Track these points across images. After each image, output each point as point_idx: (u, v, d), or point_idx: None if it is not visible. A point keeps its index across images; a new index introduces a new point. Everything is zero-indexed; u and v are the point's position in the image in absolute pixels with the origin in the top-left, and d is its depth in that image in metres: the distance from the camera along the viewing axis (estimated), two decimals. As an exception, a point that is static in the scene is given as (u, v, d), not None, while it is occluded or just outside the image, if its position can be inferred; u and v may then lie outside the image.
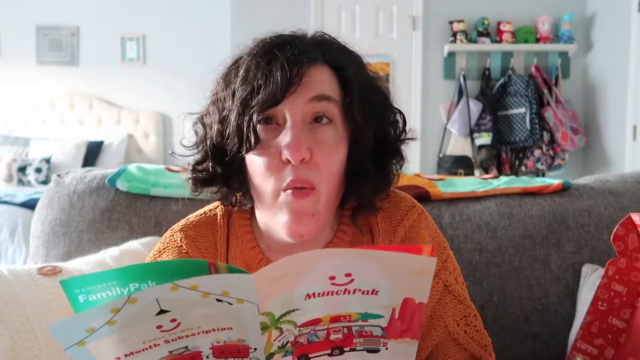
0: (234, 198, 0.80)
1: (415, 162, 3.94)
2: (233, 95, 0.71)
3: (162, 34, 4.53)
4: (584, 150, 3.88)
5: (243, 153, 0.71)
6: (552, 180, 1.37)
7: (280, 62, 0.68)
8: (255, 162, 0.71)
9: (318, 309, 0.53)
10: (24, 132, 4.51)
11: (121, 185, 1.28)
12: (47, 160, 4.05)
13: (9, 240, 2.93)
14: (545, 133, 3.72)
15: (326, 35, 0.76)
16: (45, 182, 3.91)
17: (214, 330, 0.51)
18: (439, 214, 1.26)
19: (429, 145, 3.98)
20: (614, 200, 1.28)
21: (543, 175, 3.74)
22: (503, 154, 3.84)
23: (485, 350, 0.79)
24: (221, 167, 0.75)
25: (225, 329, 0.51)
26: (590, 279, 1.19)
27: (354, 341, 0.57)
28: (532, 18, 3.85)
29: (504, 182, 1.35)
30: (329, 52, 0.73)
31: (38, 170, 3.98)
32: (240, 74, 0.71)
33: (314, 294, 0.52)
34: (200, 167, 0.77)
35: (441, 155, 3.89)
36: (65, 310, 0.99)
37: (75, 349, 0.49)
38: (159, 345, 0.51)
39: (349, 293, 0.53)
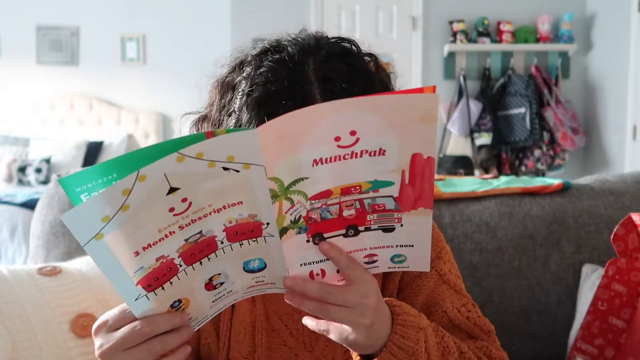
0: None
1: (415, 162, 3.93)
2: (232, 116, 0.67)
3: (162, 34, 4.52)
4: (584, 150, 3.88)
5: None
6: (552, 180, 1.37)
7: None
8: None
9: (327, 178, 0.53)
10: (24, 132, 4.50)
11: (121, 185, 1.27)
12: (47, 161, 4.05)
13: (9, 240, 2.93)
14: (545, 133, 3.72)
15: (334, 60, 0.67)
16: (45, 182, 3.90)
17: (224, 207, 0.51)
18: (439, 214, 1.26)
19: (429, 145, 3.98)
20: (614, 200, 1.28)
21: (543, 175, 3.73)
22: (503, 154, 3.84)
23: (489, 336, 0.78)
24: None
25: (235, 204, 0.51)
26: (590, 279, 1.18)
27: (368, 218, 0.56)
28: (532, 18, 3.85)
29: (504, 182, 1.35)
30: (331, 92, 0.64)
31: (38, 171, 3.98)
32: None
33: (321, 159, 0.52)
34: None
35: (441, 155, 3.89)
36: (65, 309, 0.99)
37: (93, 243, 0.49)
38: (174, 232, 0.51)
39: (356, 156, 0.52)
